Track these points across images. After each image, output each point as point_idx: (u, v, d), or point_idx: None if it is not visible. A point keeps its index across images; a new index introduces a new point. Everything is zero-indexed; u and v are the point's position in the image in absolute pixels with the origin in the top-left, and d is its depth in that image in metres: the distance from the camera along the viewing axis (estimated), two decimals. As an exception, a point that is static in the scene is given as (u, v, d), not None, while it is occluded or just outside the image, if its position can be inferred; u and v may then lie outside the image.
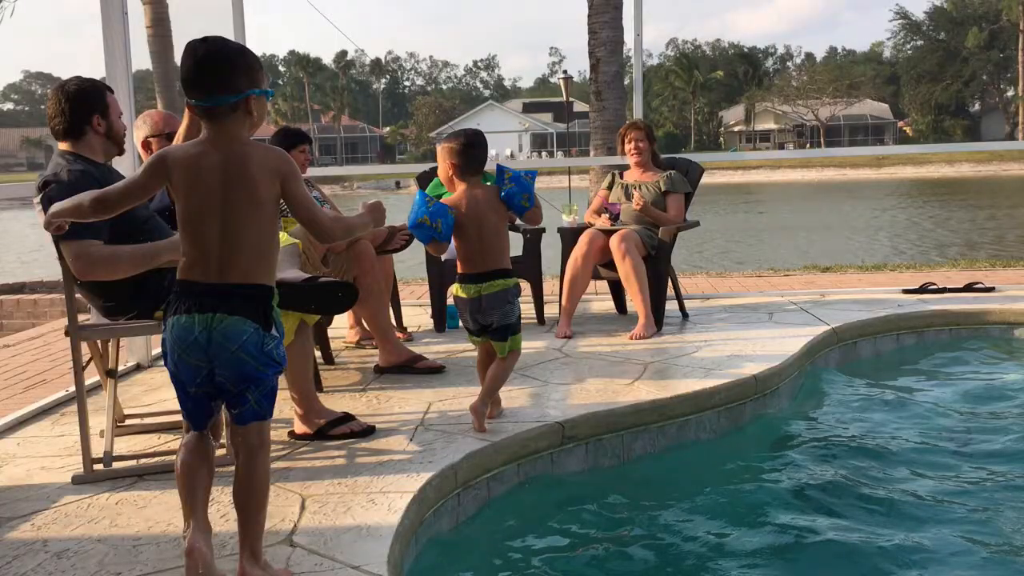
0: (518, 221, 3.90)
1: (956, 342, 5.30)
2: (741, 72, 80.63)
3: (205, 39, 2.17)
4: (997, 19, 68.06)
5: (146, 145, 4.02)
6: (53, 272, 9.79)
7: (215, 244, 2.16)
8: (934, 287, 6.16)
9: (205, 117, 2.19)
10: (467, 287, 3.38)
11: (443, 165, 3.44)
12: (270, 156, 2.20)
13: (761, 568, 2.78)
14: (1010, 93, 71.15)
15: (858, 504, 3.20)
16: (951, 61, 70.86)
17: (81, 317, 3.16)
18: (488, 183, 3.48)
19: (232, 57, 2.17)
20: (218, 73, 2.15)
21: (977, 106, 75.66)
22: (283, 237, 3.67)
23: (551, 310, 5.52)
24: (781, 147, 69.40)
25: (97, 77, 3.46)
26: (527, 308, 5.63)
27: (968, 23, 69.95)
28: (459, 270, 3.42)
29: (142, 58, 15.41)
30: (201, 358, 2.16)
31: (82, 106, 3.20)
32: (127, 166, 4.39)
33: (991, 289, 6.09)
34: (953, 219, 24.30)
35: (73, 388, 3.16)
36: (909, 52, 77.46)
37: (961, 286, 6.19)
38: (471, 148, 3.39)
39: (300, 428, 3.40)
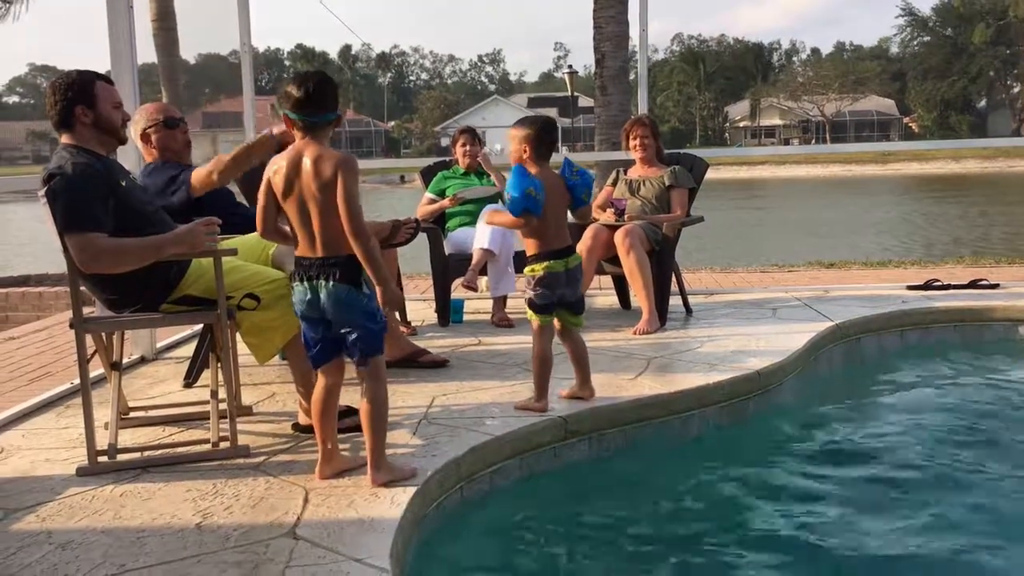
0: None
1: (961, 339, 5.29)
2: (749, 64, 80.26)
3: (315, 73, 2.81)
4: (1004, 15, 67.75)
5: (145, 138, 4.02)
6: (50, 265, 9.83)
7: (308, 227, 2.74)
8: (939, 284, 6.16)
9: (304, 129, 2.77)
10: (559, 262, 3.48)
11: (516, 148, 3.53)
12: (336, 159, 2.73)
13: (764, 562, 2.78)
14: (1016, 89, 70.92)
15: (861, 500, 3.21)
16: (957, 57, 70.62)
17: (86, 310, 3.17)
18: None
19: (333, 85, 2.82)
20: (325, 98, 2.77)
21: (984, 102, 75.36)
22: None
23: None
24: (787, 143, 69.19)
25: (103, 70, 3.45)
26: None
27: (975, 19, 69.66)
28: (537, 249, 3.50)
29: (148, 51, 15.41)
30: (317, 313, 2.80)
31: (67, 98, 3.19)
32: (129, 161, 4.39)
33: (996, 286, 6.08)
34: (927, 215, 24.33)
35: (78, 380, 3.17)
36: (916, 48, 77.21)
37: (966, 283, 6.18)
38: (546, 133, 3.52)
39: (304, 420, 3.40)
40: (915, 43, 77.68)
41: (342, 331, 2.79)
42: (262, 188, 2.81)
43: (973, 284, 6.14)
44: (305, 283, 2.78)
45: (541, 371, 3.54)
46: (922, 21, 76.06)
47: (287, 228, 2.86)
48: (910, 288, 6.14)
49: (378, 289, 2.77)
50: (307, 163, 2.73)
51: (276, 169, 2.79)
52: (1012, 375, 4.69)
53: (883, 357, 5.08)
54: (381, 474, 2.81)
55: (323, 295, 2.75)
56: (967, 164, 49.72)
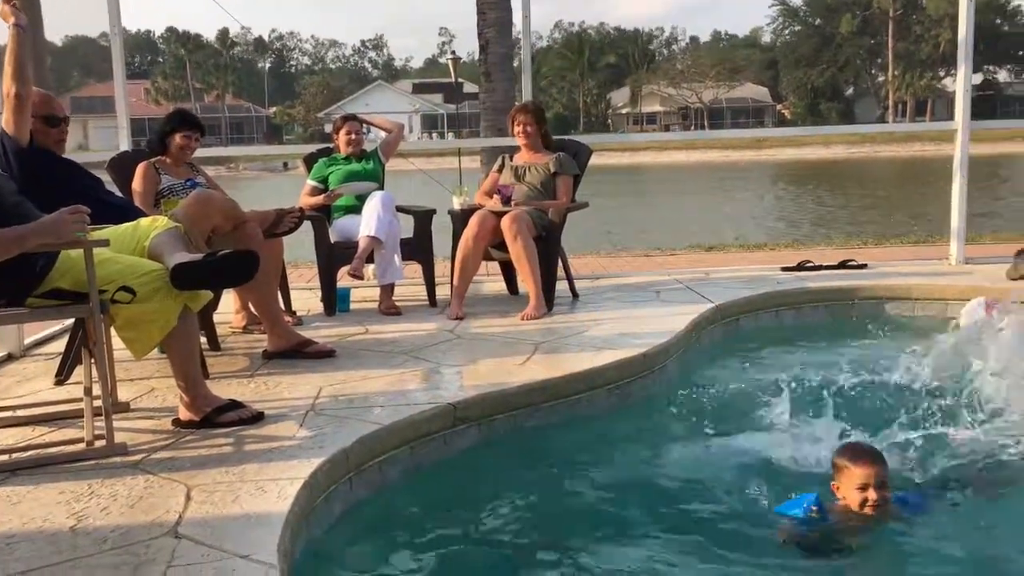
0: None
1: (831, 317, 5.53)
2: (630, 53, 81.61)
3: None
4: (869, 6, 70.89)
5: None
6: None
7: None
8: (811, 264, 6.42)
9: None
10: None
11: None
12: None
13: (650, 543, 2.85)
14: (881, 78, 74.34)
15: (744, 478, 3.31)
16: (826, 46, 73.48)
17: (-56, 306, 2.99)
18: None
19: None
20: None
21: (851, 90, 78.72)
22: (163, 221, 3.54)
23: (442, 292, 5.51)
24: (667, 129, 70.69)
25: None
26: (418, 290, 5.63)
27: (842, 9, 72.58)
28: None
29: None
30: None
31: None
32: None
33: (863, 266, 6.38)
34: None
35: (-63, 381, 2.99)
36: (787, 37, 79.98)
37: (836, 263, 6.46)
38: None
39: (186, 415, 3.30)
40: (787, 32, 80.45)
41: None
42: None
43: (843, 265, 6.42)
44: None
45: None
46: (793, 11, 78.80)
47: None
48: (784, 269, 6.39)
49: None
50: None
51: None
52: (879, 349, 4.92)
53: (760, 336, 5.26)
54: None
55: None
56: (835, 150, 51.76)
